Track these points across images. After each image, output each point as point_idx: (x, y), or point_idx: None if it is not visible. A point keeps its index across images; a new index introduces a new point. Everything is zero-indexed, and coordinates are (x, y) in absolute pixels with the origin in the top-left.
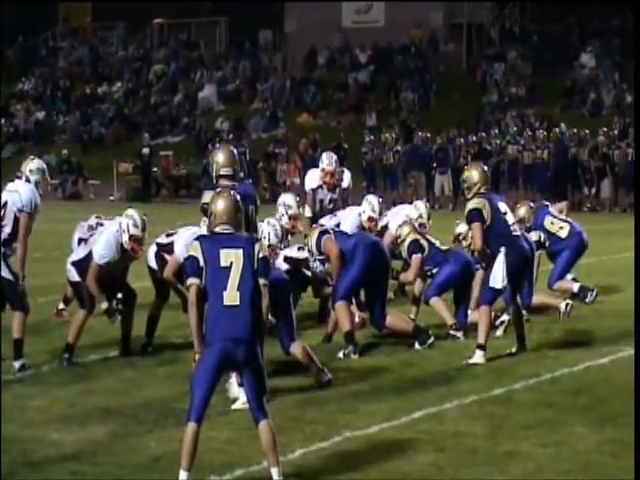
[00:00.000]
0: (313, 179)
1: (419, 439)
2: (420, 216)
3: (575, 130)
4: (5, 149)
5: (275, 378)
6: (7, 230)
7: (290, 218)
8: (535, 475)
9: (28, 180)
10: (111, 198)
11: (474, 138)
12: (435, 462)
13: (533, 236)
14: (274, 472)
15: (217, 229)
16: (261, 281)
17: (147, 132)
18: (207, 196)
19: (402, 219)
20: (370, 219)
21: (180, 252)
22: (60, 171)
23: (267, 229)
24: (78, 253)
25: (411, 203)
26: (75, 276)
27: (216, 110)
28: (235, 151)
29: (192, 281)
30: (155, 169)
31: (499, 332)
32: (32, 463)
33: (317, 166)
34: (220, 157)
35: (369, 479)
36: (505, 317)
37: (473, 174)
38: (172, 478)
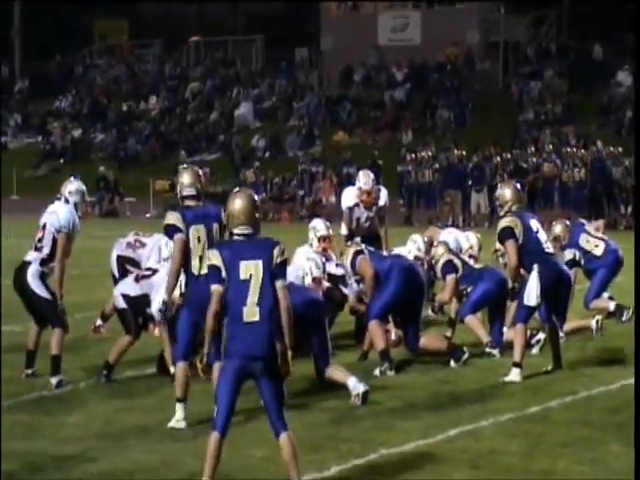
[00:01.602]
0: (350, 197)
1: (455, 457)
2: (471, 247)
3: (612, 148)
4: (41, 167)
5: (310, 395)
6: (45, 251)
7: (319, 240)
8: None
9: (67, 201)
10: (147, 215)
11: (509, 156)
12: None
13: (568, 254)
14: None
15: (236, 230)
16: (279, 284)
17: (183, 149)
18: (170, 217)
19: (452, 243)
20: (416, 259)
21: None
22: (97, 188)
23: (307, 265)
24: (130, 287)
25: (449, 221)
26: (122, 304)
27: (252, 128)
28: (200, 172)
29: (215, 287)
30: None
31: (535, 350)
32: None
33: (353, 184)
34: (184, 178)
35: None
36: (541, 335)
37: (505, 192)
38: None
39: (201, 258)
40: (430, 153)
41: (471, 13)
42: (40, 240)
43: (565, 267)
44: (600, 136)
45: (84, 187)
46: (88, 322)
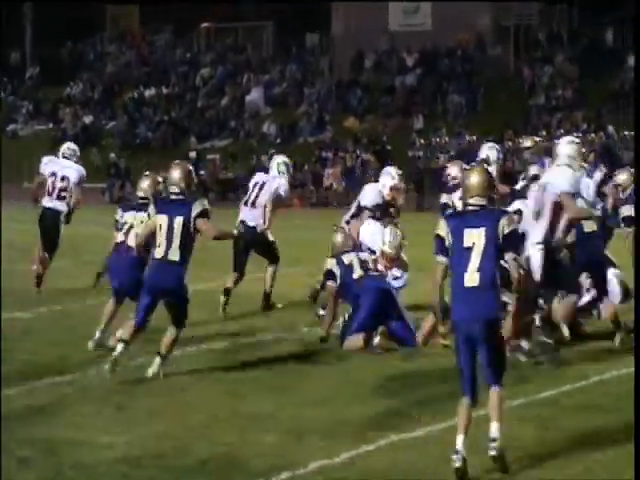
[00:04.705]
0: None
1: (469, 442)
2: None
3: (626, 132)
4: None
5: (319, 379)
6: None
7: (391, 189)
8: (584, 477)
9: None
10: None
11: (521, 141)
12: (482, 465)
13: (626, 211)
14: (493, 427)
15: (470, 201)
16: (508, 256)
17: (194, 136)
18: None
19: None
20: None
21: None
22: (108, 175)
23: (381, 178)
24: None
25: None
26: None
27: (263, 114)
28: (190, 168)
29: (438, 259)
30: (202, 173)
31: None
32: (81, 466)
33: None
34: (172, 174)
35: None
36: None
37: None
38: None
39: (160, 245)
40: (442, 139)
41: None
42: (64, 190)
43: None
44: (611, 121)
45: None
46: (99, 308)
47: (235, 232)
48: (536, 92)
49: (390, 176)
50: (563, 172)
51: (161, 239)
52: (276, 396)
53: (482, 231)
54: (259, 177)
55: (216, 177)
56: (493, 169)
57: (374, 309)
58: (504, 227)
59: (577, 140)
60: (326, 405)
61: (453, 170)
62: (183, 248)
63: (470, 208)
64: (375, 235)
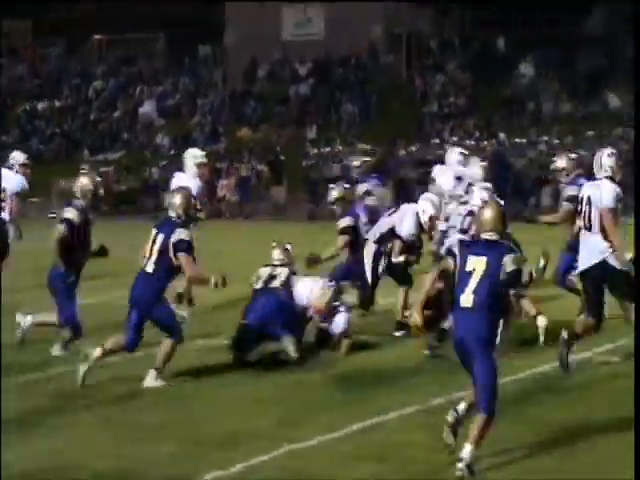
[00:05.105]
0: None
1: (360, 450)
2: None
3: (517, 139)
4: None
5: (216, 389)
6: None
7: (430, 219)
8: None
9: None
10: (51, 215)
11: (414, 149)
12: (378, 473)
13: (571, 190)
14: (465, 447)
15: (483, 235)
16: (511, 292)
17: (87, 148)
18: None
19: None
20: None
21: None
22: None
23: (423, 203)
24: None
25: None
26: None
27: (156, 125)
28: (191, 194)
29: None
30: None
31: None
32: None
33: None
34: (174, 199)
35: None
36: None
37: None
38: None
39: (144, 255)
40: (334, 148)
41: (375, 6)
42: (2, 200)
43: None
44: (503, 128)
45: None
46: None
47: (213, 280)
48: (428, 100)
49: (432, 204)
50: (608, 186)
51: (146, 250)
52: (172, 407)
53: (483, 259)
54: (180, 179)
55: (109, 190)
56: (451, 173)
57: (260, 318)
58: (507, 264)
59: (615, 151)
60: (221, 416)
61: (334, 193)
62: (159, 264)
63: (482, 239)
64: (305, 290)
